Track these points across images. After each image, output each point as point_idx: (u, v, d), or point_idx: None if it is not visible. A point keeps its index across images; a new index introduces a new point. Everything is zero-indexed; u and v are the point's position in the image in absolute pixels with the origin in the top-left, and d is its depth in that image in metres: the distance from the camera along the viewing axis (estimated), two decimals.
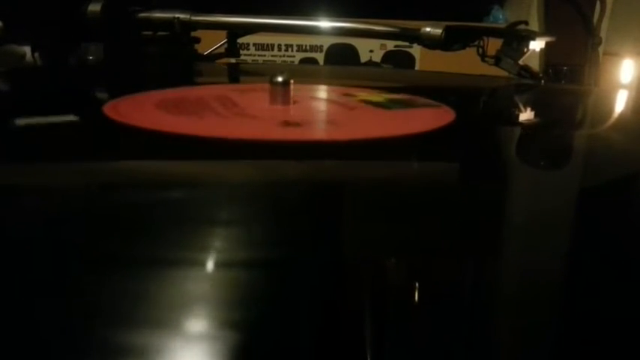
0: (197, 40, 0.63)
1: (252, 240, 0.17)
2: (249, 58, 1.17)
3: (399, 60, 1.18)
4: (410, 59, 1.18)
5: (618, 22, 1.02)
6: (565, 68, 0.69)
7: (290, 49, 1.20)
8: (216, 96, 0.36)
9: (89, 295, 0.13)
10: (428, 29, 0.56)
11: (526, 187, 0.24)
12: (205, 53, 0.67)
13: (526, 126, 0.37)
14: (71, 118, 0.32)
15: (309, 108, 0.34)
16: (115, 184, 0.22)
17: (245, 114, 0.31)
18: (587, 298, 0.14)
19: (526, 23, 0.63)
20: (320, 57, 1.20)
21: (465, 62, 0.61)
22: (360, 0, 0.97)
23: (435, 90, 0.55)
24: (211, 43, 0.67)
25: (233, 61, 0.68)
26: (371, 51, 1.19)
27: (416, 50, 1.16)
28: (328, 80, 0.56)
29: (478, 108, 0.45)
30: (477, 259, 0.16)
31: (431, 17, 0.61)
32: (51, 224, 0.17)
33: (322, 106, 0.35)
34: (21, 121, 0.30)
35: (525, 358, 0.12)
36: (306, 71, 0.74)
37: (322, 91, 0.40)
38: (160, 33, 0.60)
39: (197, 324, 0.12)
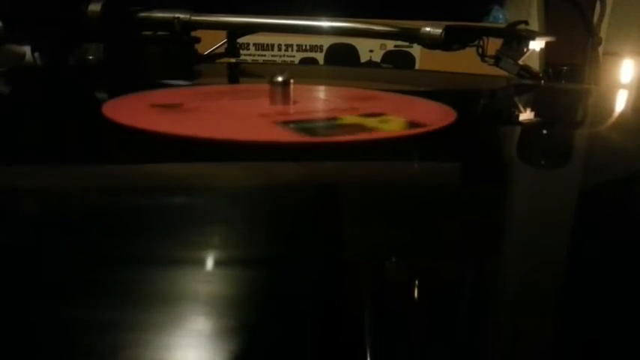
0: (197, 40, 0.63)
1: (251, 241, 0.17)
2: (249, 58, 1.17)
3: (399, 60, 1.18)
4: (410, 59, 1.17)
5: (618, 21, 1.02)
6: (565, 68, 0.69)
7: (290, 49, 1.20)
8: (215, 96, 0.36)
9: (89, 295, 0.13)
10: (428, 29, 0.56)
11: (527, 187, 0.24)
12: (205, 53, 0.67)
13: (526, 126, 0.37)
14: None
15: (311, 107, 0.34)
16: (112, 185, 0.21)
17: (244, 115, 0.31)
18: (587, 299, 0.14)
19: (526, 23, 0.63)
20: (320, 57, 1.20)
21: (464, 62, 0.61)
22: (360, 0, 0.96)
23: (435, 90, 0.55)
24: (211, 43, 0.67)
25: (233, 61, 0.68)
26: (371, 51, 1.19)
27: (416, 50, 1.16)
28: (329, 80, 0.56)
29: (478, 108, 0.45)
30: (479, 260, 0.16)
31: (431, 17, 0.61)
32: (48, 226, 0.17)
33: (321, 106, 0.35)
34: None
35: (525, 359, 0.12)
36: (306, 71, 0.74)
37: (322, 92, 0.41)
38: (160, 33, 0.60)
39: (196, 324, 0.12)
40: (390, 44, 1.18)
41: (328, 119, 0.31)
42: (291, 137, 0.26)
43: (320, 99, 0.38)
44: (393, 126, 0.29)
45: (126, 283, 0.13)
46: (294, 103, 0.33)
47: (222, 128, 0.28)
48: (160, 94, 0.36)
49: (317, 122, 0.30)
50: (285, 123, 0.28)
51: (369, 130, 0.28)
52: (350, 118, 0.30)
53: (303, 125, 0.28)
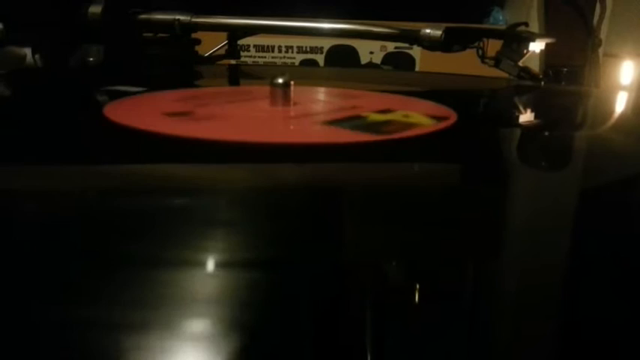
0: (197, 42, 0.63)
1: (251, 243, 0.17)
2: (249, 60, 1.17)
3: (399, 61, 1.18)
4: (410, 61, 1.18)
5: (618, 23, 1.02)
6: (565, 69, 0.69)
7: (290, 51, 1.21)
8: (216, 98, 0.36)
9: (90, 297, 0.13)
10: (428, 31, 0.56)
11: (527, 189, 0.24)
12: (206, 55, 0.67)
13: (526, 127, 0.37)
14: None
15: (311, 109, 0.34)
16: (114, 186, 0.22)
17: (245, 116, 0.31)
18: (588, 301, 0.14)
19: (526, 24, 0.63)
20: (320, 58, 1.20)
21: (465, 64, 0.61)
22: (360, 1, 0.97)
23: (435, 91, 0.55)
24: (212, 45, 0.67)
25: (233, 62, 0.68)
26: (371, 52, 1.20)
27: (416, 52, 1.16)
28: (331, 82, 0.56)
29: (478, 110, 0.45)
30: (479, 262, 0.16)
31: (431, 19, 0.61)
32: (50, 227, 0.17)
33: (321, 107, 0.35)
34: None
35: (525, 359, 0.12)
36: (306, 73, 0.74)
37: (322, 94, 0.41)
38: (161, 35, 0.60)
39: (197, 326, 0.12)
40: (391, 46, 1.18)
41: (353, 118, 0.30)
42: (352, 137, 0.26)
43: (316, 100, 0.38)
44: (420, 120, 0.29)
45: (126, 284, 0.13)
46: (294, 104, 0.33)
47: (231, 129, 0.28)
48: (161, 96, 0.36)
49: (346, 121, 0.30)
50: (326, 122, 0.28)
51: (413, 125, 0.28)
52: (375, 116, 0.30)
53: (348, 123, 0.28)
